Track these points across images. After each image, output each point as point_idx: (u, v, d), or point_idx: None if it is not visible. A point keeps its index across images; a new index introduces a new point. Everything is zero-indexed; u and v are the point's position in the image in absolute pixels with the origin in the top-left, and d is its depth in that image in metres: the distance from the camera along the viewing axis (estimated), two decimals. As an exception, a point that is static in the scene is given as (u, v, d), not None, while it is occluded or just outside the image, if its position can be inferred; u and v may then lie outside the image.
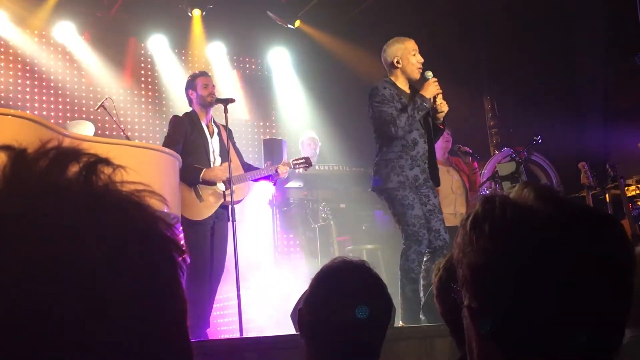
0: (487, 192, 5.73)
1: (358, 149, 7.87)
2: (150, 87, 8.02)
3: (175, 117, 4.95)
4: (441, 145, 5.79)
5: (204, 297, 4.60)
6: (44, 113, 7.22)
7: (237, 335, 4.47)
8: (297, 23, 7.91)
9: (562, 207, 0.80)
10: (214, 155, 4.86)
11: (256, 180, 5.09)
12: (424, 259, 4.29)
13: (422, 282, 4.29)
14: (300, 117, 8.39)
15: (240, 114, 8.16)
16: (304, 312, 1.64)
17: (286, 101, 8.67)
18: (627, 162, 6.06)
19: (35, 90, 7.39)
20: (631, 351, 1.68)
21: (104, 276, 0.47)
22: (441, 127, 4.52)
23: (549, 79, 7.95)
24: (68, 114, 7.41)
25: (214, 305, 4.89)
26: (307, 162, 5.34)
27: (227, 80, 8.20)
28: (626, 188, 5.59)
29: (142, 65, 8.02)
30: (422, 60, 4.42)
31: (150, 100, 7.95)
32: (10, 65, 7.28)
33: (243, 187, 4.90)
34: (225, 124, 4.84)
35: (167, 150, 4.21)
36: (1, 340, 0.44)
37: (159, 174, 3.92)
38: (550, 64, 8.00)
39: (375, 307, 1.59)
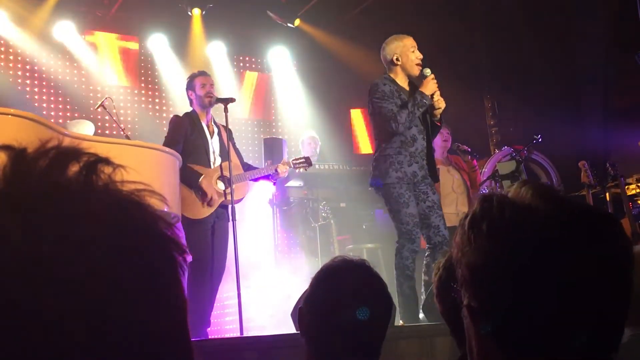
0: (487, 191, 5.72)
1: (358, 148, 7.88)
2: (150, 86, 8.02)
3: (176, 117, 4.95)
4: (440, 144, 5.79)
5: (205, 296, 4.60)
6: (44, 112, 7.22)
7: (238, 334, 4.47)
8: (297, 22, 7.90)
9: (560, 205, 0.80)
10: (214, 155, 4.86)
11: (256, 179, 5.09)
12: (425, 254, 4.33)
13: (423, 277, 4.31)
14: (300, 116, 8.39)
15: (240, 113, 8.15)
16: (304, 311, 1.64)
17: (286, 100, 8.67)
18: (627, 160, 6.06)
19: (36, 89, 7.39)
20: (631, 350, 1.68)
21: (104, 276, 0.47)
22: (438, 124, 4.54)
23: (549, 78, 7.95)
24: (68, 114, 7.41)
25: (215, 305, 4.89)
26: (307, 162, 5.34)
27: (227, 79, 8.20)
28: (626, 187, 5.60)
29: (142, 64, 8.02)
30: (421, 56, 4.45)
31: (150, 99, 7.95)
32: (11, 65, 7.28)
33: (243, 187, 4.90)
34: (225, 124, 4.83)
35: (167, 149, 4.21)
36: (1, 340, 0.44)
37: (159, 174, 3.91)
38: (550, 63, 8.00)
39: (375, 306, 1.59)
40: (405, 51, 4.42)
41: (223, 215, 4.78)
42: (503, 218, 0.79)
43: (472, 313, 0.82)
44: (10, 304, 0.44)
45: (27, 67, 7.33)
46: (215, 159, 4.86)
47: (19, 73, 7.30)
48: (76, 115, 7.27)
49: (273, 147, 6.86)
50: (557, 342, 0.77)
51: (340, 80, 8.27)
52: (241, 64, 8.63)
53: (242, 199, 4.92)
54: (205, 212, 4.70)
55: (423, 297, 4.28)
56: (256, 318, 5.71)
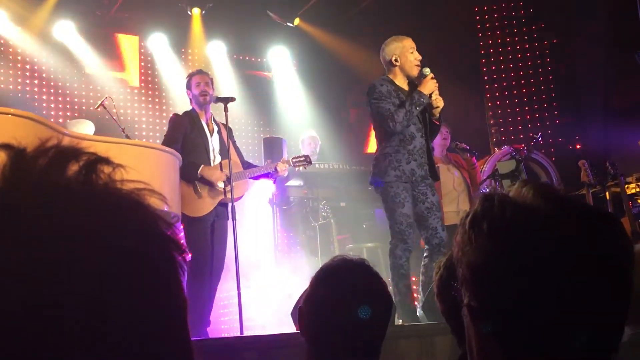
0: (488, 190, 5.72)
1: (358, 148, 7.88)
2: (150, 85, 8.02)
3: (175, 115, 4.95)
4: (440, 143, 5.79)
5: (204, 295, 4.60)
6: (44, 112, 7.22)
7: (238, 333, 4.47)
8: (297, 21, 7.90)
9: (561, 205, 0.80)
10: (213, 153, 4.86)
11: (256, 178, 5.09)
12: (424, 255, 4.36)
13: (421, 278, 4.34)
14: (300, 116, 8.39)
15: (240, 113, 8.15)
16: (304, 311, 1.64)
17: (286, 99, 8.67)
18: (627, 159, 6.06)
19: (35, 89, 7.39)
20: (631, 349, 1.68)
21: (103, 276, 0.46)
22: (437, 122, 4.56)
23: (550, 77, 7.96)
24: (68, 113, 7.42)
25: (215, 304, 4.89)
26: (307, 160, 5.35)
27: (227, 79, 8.20)
28: (626, 186, 5.60)
29: (142, 64, 8.01)
30: (419, 57, 4.48)
31: (150, 99, 7.95)
32: (10, 65, 7.28)
33: (242, 185, 4.90)
34: (225, 123, 4.84)
35: (167, 148, 4.21)
36: (0, 340, 0.44)
37: (159, 173, 3.91)
38: (550, 62, 8.00)
39: (375, 305, 1.59)
40: (404, 52, 4.45)
41: (223, 213, 4.78)
42: (504, 217, 0.79)
43: (472, 312, 0.82)
44: (10, 304, 0.44)
45: (27, 66, 7.33)
46: (215, 157, 4.87)
47: (19, 73, 7.30)
48: (76, 114, 7.28)
49: (273, 146, 6.86)
50: (557, 342, 0.76)
51: (340, 80, 8.27)
52: (241, 64, 8.62)
53: (241, 197, 4.92)
54: (205, 209, 4.70)
55: (421, 297, 4.32)
56: (256, 317, 5.70)
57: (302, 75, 8.64)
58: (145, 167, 3.70)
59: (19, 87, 7.30)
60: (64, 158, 0.50)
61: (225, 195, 4.71)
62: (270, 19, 7.84)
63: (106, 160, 0.52)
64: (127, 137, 5.38)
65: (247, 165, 5.06)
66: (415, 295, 4.52)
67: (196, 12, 7.65)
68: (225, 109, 4.76)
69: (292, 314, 2.19)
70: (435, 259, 4.21)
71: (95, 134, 6.16)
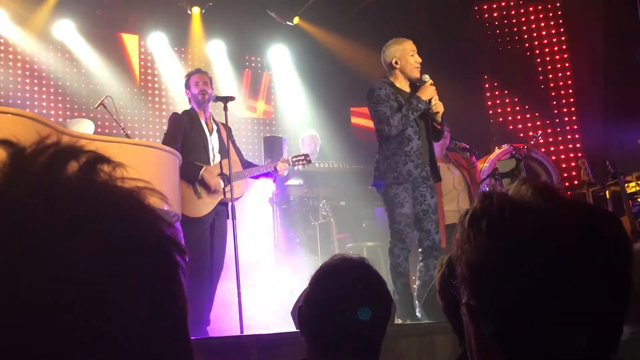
0: (487, 189, 5.72)
1: (358, 147, 7.87)
2: (150, 85, 8.02)
3: (175, 114, 4.95)
4: (439, 142, 5.80)
5: (204, 294, 4.60)
6: (44, 111, 7.22)
7: (238, 333, 4.47)
8: (296, 20, 7.90)
9: (560, 204, 0.80)
10: (213, 152, 4.86)
11: (256, 177, 5.09)
12: (419, 259, 4.41)
13: (417, 282, 4.40)
14: (300, 115, 8.38)
15: (240, 112, 8.15)
16: (304, 310, 1.64)
17: (286, 98, 8.66)
18: (627, 158, 6.06)
19: (35, 88, 7.38)
20: (631, 348, 1.68)
21: (103, 275, 0.46)
22: (438, 127, 4.58)
23: (550, 76, 7.95)
24: (68, 112, 7.41)
25: (215, 303, 4.89)
26: (306, 159, 5.35)
27: (226, 78, 8.20)
28: (626, 185, 5.60)
29: (142, 63, 8.01)
30: (420, 60, 4.51)
31: (150, 98, 7.95)
32: (10, 64, 7.28)
33: (242, 184, 4.90)
34: (225, 122, 4.84)
35: (167, 148, 4.21)
36: (0, 340, 0.44)
37: (159, 172, 3.91)
38: (550, 61, 8.00)
39: (374, 304, 1.59)
40: (404, 55, 4.48)
41: (222, 213, 4.78)
42: (503, 216, 0.79)
43: (471, 311, 0.82)
44: (9, 303, 0.44)
45: (27, 66, 7.32)
46: (215, 156, 4.86)
47: (19, 72, 7.30)
48: (76, 114, 7.28)
49: (273, 145, 6.85)
50: (557, 341, 0.76)
51: (340, 78, 8.26)
52: (241, 63, 8.62)
53: (241, 196, 4.92)
54: (204, 210, 4.70)
55: (417, 298, 4.36)
56: (256, 316, 5.71)
57: (302, 74, 8.64)
58: (145, 166, 3.70)
59: (19, 87, 7.30)
60: (64, 156, 0.50)
61: (225, 195, 4.71)
62: (270, 18, 7.84)
63: (106, 159, 0.51)
64: (127, 136, 5.38)
65: (246, 165, 5.05)
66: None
67: (196, 11, 7.65)
68: (225, 108, 4.76)
69: (292, 312, 2.19)
70: (429, 262, 4.26)
71: (95, 133, 6.16)
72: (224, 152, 4.82)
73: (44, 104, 7.39)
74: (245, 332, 4.40)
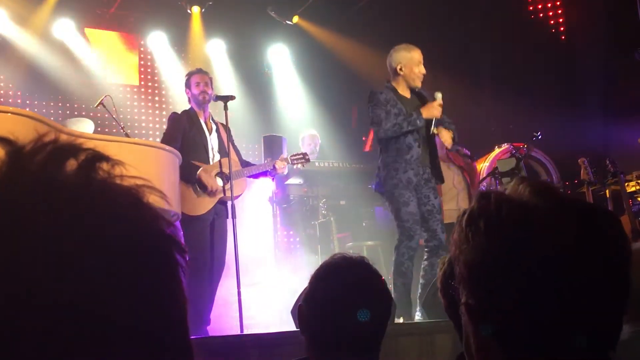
0: (484, 188, 5.72)
1: (358, 146, 7.87)
2: (149, 84, 8.01)
3: (174, 114, 4.95)
4: (439, 142, 5.81)
5: (204, 294, 4.60)
6: (44, 111, 7.22)
7: (238, 332, 4.47)
8: (296, 19, 7.90)
9: (557, 203, 0.80)
10: (212, 151, 4.87)
11: (255, 176, 5.09)
12: (423, 257, 4.44)
13: (420, 280, 4.41)
14: (300, 114, 8.38)
15: (240, 111, 8.15)
16: (304, 309, 1.64)
17: (286, 98, 8.66)
18: (627, 157, 6.06)
19: (35, 87, 7.38)
20: (631, 347, 1.68)
21: (102, 274, 0.46)
22: (435, 133, 4.64)
23: (549, 75, 7.95)
24: (68, 112, 7.41)
25: (216, 303, 4.89)
26: (305, 158, 5.36)
27: (226, 77, 8.19)
28: (626, 184, 5.60)
29: (142, 62, 8.01)
30: (424, 72, 4.58)
31: (149, 97, 7.95)
32: (10, 63, 7.27)
33: (241, 183, 4.91)
34: (225, 122, 4.83)
35: (167, 147, 4.20)
36: (0, 340, 0.44)
37: (158, 171, 3.91)
38: (550, 60, 8.00)
39: (374, 303, 1.59)
40: (409, 63, 4.53)
41: (222, 212, 4.78)
42: (500, 215, 0.79)
43: (469, 311, 0.82)
44: (8, 303, 0.44)
45: (27, 64, 7.32)
46: (214, 156, 4.87)
47: (19, 71, 7.29)
48: (75, 113, 7.27)
49: (273, 144, 6.85)
50: (556, 341, 0.76)
51: (340, 77, 8.26)
52: (241, 62, 8.61)
53: (240, 195, 4.92)
54: (204, 208, 4.69)
55: (419, 297, 4.38)
56: (256, 315, 5.71)
57: (302, 73, 8.64)
58: (145, 166, 3.70)
59: (19, 86, 7.29)
60: (62, 154, 0.49)
61: (225, 194, 4.71)
62: (269, 17, 7.84)
63: (105, 157, 0.51)
64: (127, 135, 5.38)
65: (245, 164, 5.05)
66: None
67: (196, 10, 7.64)
68: (225, 107, 4.76)
69: (292, 311, 2.19)
70: (433, 261, 4.28)
71: (94, 132, 6.16)
72: (223, 151, 4.82)
73: (44, 103, 7.39)
74: (245, 332, 4.40)
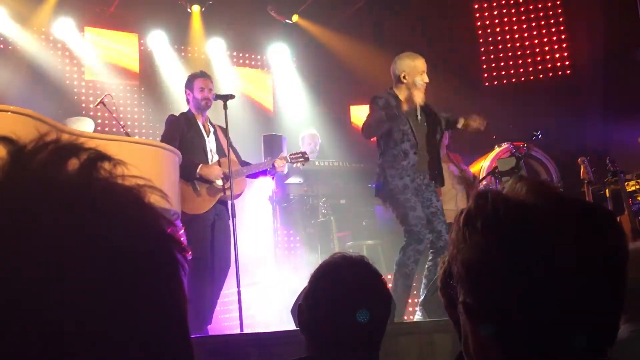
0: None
1: (358, 145, 7.87)
2: (149, 83, 8.01)
3: (171, 116, 4.94)
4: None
5: (205, 293, 4.59)
6: (44, 110, 7.19)
7: (238, 331, 4.47)
8: (295, 18, 7.90)
9: (555, 201, 0.80)
10: (211, 153, 4.86)
11: (255, 175, 5.08)
12: (428, 258, 4.46)
13: (424, 280, 4.42)
14: (300, 113, 8.38)
15: (240, 110, 8.14)
16: (303, 308, 1.64)
17: (286, 97, 8.66)
18: (627, 157, 6.06)
19: (35, 86, 7.37)
20: (630, 346, 1.68)
21: (103, 274, 0.46)
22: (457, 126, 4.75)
23: (549, 74, 7.95)
24: (68, 111, 7.40)
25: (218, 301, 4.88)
26: (304, 157, 5.36)
27: (226, 76, 8.19)
28: (626, 183, 5.59)
29: (142, 61, 8.00)
30: (427, 80, 4.59)
31: (149, 96, 7.94)
32: (10, 62, 7.27)
33: (240, 182, 4.90)
34: (225, 121, 4.82)
35: (167, 146, 4.20)
36: (0, 342, 0.44)
37: (159, 171, 3.91)
38: (550, 59, 8.00)
39: (374, 302, 1.59)
40: (413, 72, 4.55)
41: (223, 212, 4.78)
42: (497, 215, 0.79)
43: (467, 310, 0.82)
44: (9, 303, 0.44)
45: (27, 63, 7.32)
46: (213, 157, 4.86)
47: (19, 70, 7.28)
48: (75, 112, 7.26)
49: (272, 143, 6.84)
50: (555, 341, 0.76)
51: (340, 77, 8.26)
52: (241, 61, 8.61)
53: (241, 194, 4.92)
54: (204, 207, 4.69)
55: (421, 297, 4.40)
56: (257, 315, 5.71)
57: (302, 73, 8.64)
58: (145, 165, 3.69)
59: (19, 85, 7.29)
60: (64, 153, 0.49)
61: (225, 193, 4.71)
62: (269, 16, 7.84)
63: (106, 156, 0.51)
64: (127, 134, 5.38)
65: (244, 165, 5.05)
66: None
67: (196, 9, 7.65)
68: (225, 107, 4.75)
69: (292, 311, 2.19)
70: (438, 261, 4.27)
71: (95, 131, 6.16)
72: (222, 153, 4.82)
73: (44, 102, 7.38)
74: (245, 331, 4.40)
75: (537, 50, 8.05)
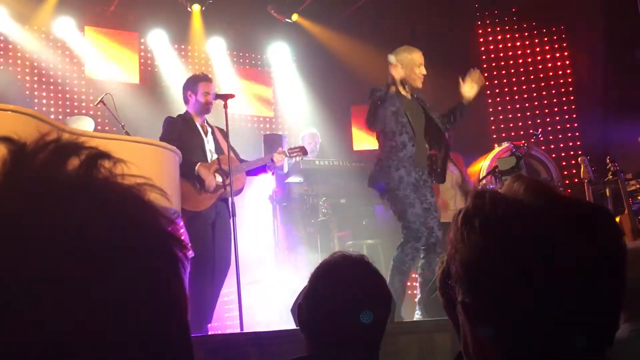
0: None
1: (357, 144, 7.87)
2: (150, 82, 8.01)
3: (169, 117, 4.95)
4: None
5: (206, 291, 4.59)
6: (44, 109, 7.21)
7: (238, 330, 4.47)
8: (295, 17, 7.91)
9: (552, 200, 0.80)
10: (210, 153, 4.87)
11: (254, 172, 5.09)
12: (421, 255, 4.44)
13: (419, 279, 4.43)
14: (300, 112, 8.38)
15: (240, 109, 8.15)
16: (303, 307, 1.64)
17: (286, 96, 8.66)
18: (627, 156, 6.05)
19: (35, 85, 7.38)
20: (630, 346, 1.68)
21: (103, 273, 0.46)
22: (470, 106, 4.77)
23: (550, 74, 7.95)
24: (68, 110, 7.41)
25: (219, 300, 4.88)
26: (302, 151, 5.40)
27: (226, 75, 8.19)
28: (626, 182, 5.59)
29: (142, 60, 8.00)
30: (425, 73, 4.61)
31: (150, 95, 7.94)
32: (10, 61, 7.27)
33: (240, 178, 4.91)
34: (225, 120, 4.82)
35: (167, 145, 4.20)
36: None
37: (159, 170, 3.91)
38: (550, 58, 8.00)
39: (374, 301, 1.59)
40: (411, 65, 4.56)
41: (224, 210, 4.78)
42: (495, 214, 0.79)
43: (465, 309, 0.82)
44: (9, 303, 0.44)
45: (27, 63, 7.32)
46: (212, 157, 4.87)
47: (19, 69, 7.29)
48: (76, 111, 7.27)
49: (273, 143, 6.84)
50: (555, 340, 0.76)
51: (340, 76, 8.26)
52: (241, 60, 8.62)
53: (241, 189, 4.92)
54: (205, 203, 4.69)
55: (419, 295, 4.39)
56: (257, 314, 5.71)
57: (302, 72, 8.64)
58: (145, 164, 3.69)
59: (19, 84, 7.29)
60: (64, 153, 0.50)
61: (225, 189, 4.72)
62: (269, 15, 7.84)
63: (107, 155, 0.51)
64: (127, 133, 5.37)
65: (243, 162, 5.06)
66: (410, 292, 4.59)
67: (196, 8, 7.64)
68: (225, 106, 4.75)
69: (292, 310, 2.19)
70: (431, 258, 4.30)
71: (95, 130, 6.16)
72: (220, 152, 4.83)
73: (44, 101, 7.39)
74: (245, 330, 4.40)
75: (538, 49, 8.05)
